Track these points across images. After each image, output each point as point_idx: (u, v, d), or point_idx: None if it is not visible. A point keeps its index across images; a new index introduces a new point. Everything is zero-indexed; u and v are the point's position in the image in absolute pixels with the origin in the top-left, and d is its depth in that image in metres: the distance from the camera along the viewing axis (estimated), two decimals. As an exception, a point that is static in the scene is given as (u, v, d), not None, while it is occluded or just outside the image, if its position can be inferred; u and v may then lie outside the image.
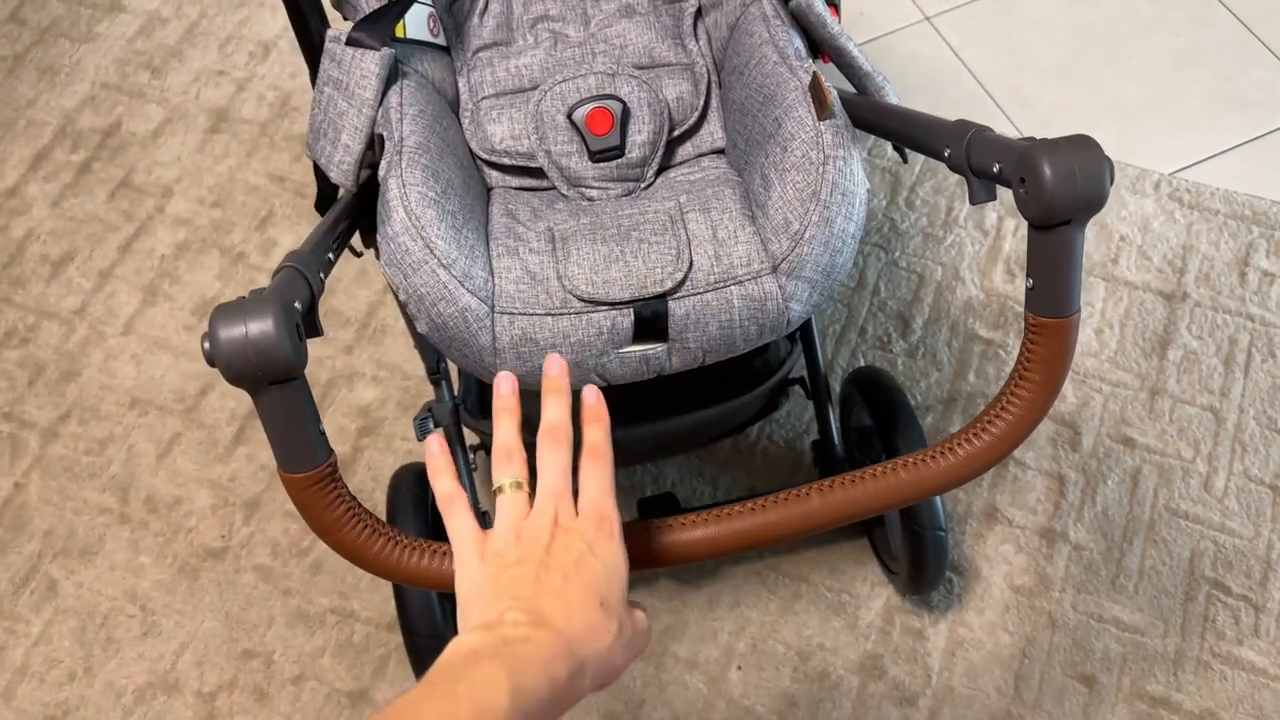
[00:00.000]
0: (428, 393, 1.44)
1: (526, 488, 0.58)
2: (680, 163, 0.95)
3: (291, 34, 1.76)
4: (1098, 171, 0.59)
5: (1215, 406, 1.39)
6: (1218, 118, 1.63)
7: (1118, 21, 1.74)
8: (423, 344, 1.11)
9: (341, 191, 0.85)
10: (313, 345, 1.49)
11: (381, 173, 0.80)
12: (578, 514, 0.56)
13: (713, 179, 0.89)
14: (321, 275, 0.69)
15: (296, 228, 1.59)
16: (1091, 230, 1.53)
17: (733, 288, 0.79)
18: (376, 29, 0.84)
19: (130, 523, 1.37)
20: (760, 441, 1.39)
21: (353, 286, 1.53)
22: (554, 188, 0.94)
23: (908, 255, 1.52)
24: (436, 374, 1.13)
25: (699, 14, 1.00)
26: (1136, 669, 1.23)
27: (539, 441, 0.59)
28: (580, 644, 0.51)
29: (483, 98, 0.96)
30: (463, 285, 0.76)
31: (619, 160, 0.92)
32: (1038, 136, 1.48)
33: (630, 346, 0.79)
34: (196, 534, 1.37)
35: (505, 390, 0.61)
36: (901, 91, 1.68)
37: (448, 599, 1.13)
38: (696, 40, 0.98)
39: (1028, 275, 0.63)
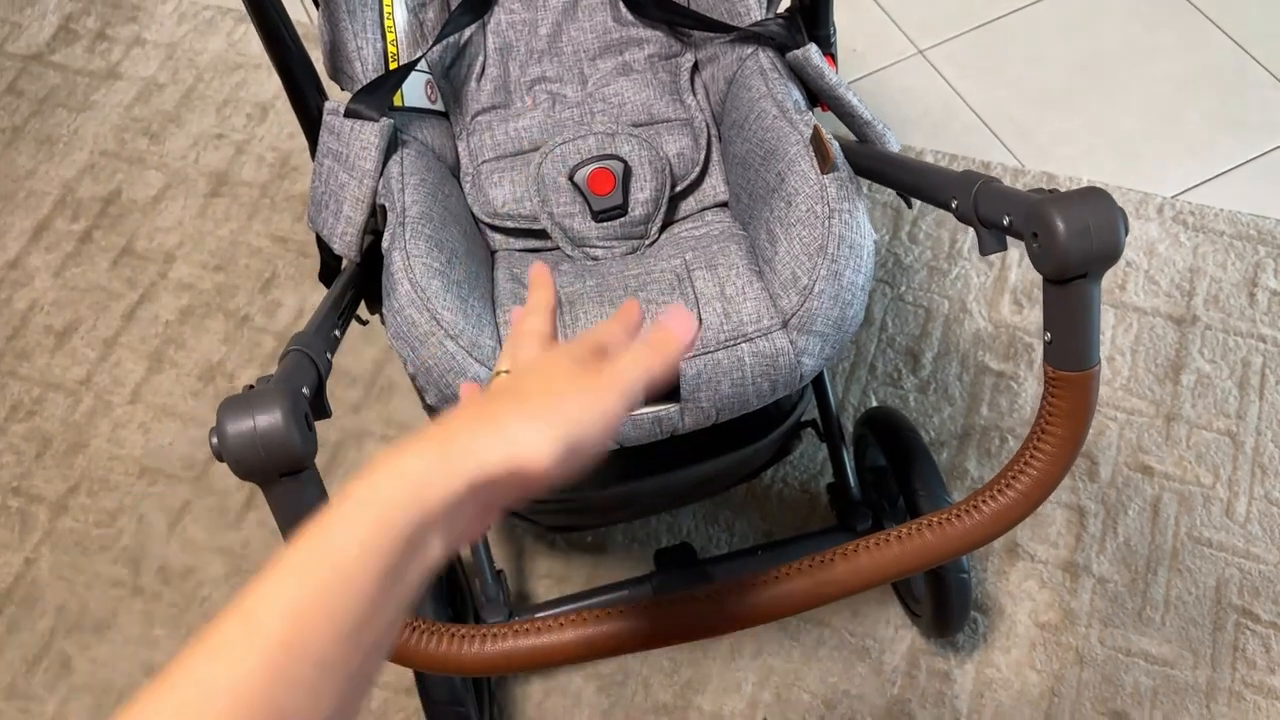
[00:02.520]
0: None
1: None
2: (684, 217, 0.95)
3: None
4: (1111, 224, 0.58)
5: (1232, 430, 1.38)
6: (1217, 139, 1.63)
7: (1112, 49, 1.74)
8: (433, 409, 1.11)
9: (345, 262, 0.85)
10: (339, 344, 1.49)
11: (385, 244, 0.79)
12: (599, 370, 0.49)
13: (717, 234, 0.88)
14: (328, 355, 0.68)
15: (300, 288, 1.59)
16: (1097, 257, 1.52)
17: (743, 345, 0.78)
18: (374, 99, 0.84)
19: (143, 595, 1.36)
20: (775, 485, 1.37)
21: (359, 344, 1.53)
22: (558, 248, 0.94)
23: (913, 290, 1.52)
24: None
25: (695, 69, 1.00)
26: (1168, 703, 1.21)
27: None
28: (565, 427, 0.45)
29: (483, 161, 0.95)
30: (471, 355, 0.75)
31: (622, 219, 0.92)
32: (1038, 169, 1.48)
33: (642, 409, 0.78)
34: (210, 604, 1.35)
35: (543, 274, 0.57)
36: (897, 126, 1.68)
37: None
38: (694, 95, 0.98)
39: (1045, 329, 0.62)
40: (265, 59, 1.79)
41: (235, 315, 1.57)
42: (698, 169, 0.95)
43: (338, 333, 0.71)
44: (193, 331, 1.56)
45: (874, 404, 1.42)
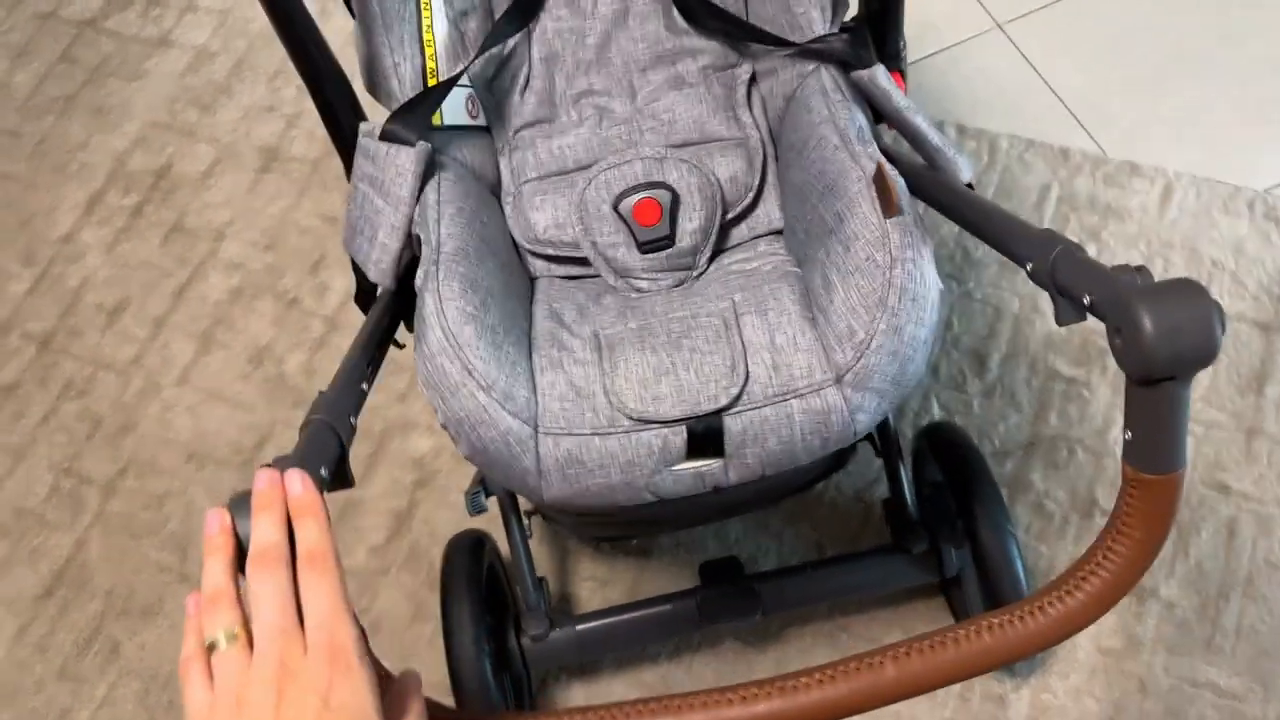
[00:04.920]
0: (484, 443, 1.41)
1: (244, 635, 0.50)
2: (735, 245, 0.90)
3: (342, 63, 1.73)
4: (1205, 323, 0.52)
5: (1319, 449, 1.30)
6: (1316, 127, 1.52)
7: (1205, 29, 1.63)
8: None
9: (381, 288, 0.81)
10: (372, 394, 1.46)
11: (419, 282, 0.76)
12: (306, 648, 0.49)
13: (768, 271, 0.83)
14: (353, 419, 0.65)
15: (349, 271, 1.55)
16: (1180, 255, 1.44)
17: (793, 401, 0.73)
18: (412, 120, 0.80)
19: (189, 581, 1.36)
20: (827, 493, 1.33)
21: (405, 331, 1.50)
22: (600, 276, 0.89)
23: (982, 286, 1.45)
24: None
25: (753, 80, 0.93)
26: (1236, 739, 1.16)
27: (248, 570, 0.52)
28: None
29: (525, 181, 0.91)
30: (504, 408, 0.71)
31: (669, 250, 0.87)
32: (1120, 157, 1.33)
33: (684, 464, 0.74)
34: (255, 593, 1.35)
35: (214, 529, 0.54)
36: (971, 107, 1.60)
37: (502, 669, 1.10)
38: (750, 111, 0.92)
39: (1126, 425, 0.56)
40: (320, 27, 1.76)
41: (284, 297, 1.55)
42: (751, 194, 0.89)
43: (365, 385, 0.68)
44: (242, 312, 1.55)
45: (936, 409, 1.36)
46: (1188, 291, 0.53)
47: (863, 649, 1.22)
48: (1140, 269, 0.56)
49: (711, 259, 0.89)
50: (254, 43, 1.79)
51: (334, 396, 0.64)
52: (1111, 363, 1.37)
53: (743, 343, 0.76)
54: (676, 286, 0.87)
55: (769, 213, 0.90)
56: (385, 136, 0.79)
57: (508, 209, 0.91)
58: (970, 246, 1.48)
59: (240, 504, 0.54)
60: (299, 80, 1.70)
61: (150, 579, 1.37)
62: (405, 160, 0.78)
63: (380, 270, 0.80)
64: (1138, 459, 0.56)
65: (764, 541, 1.31)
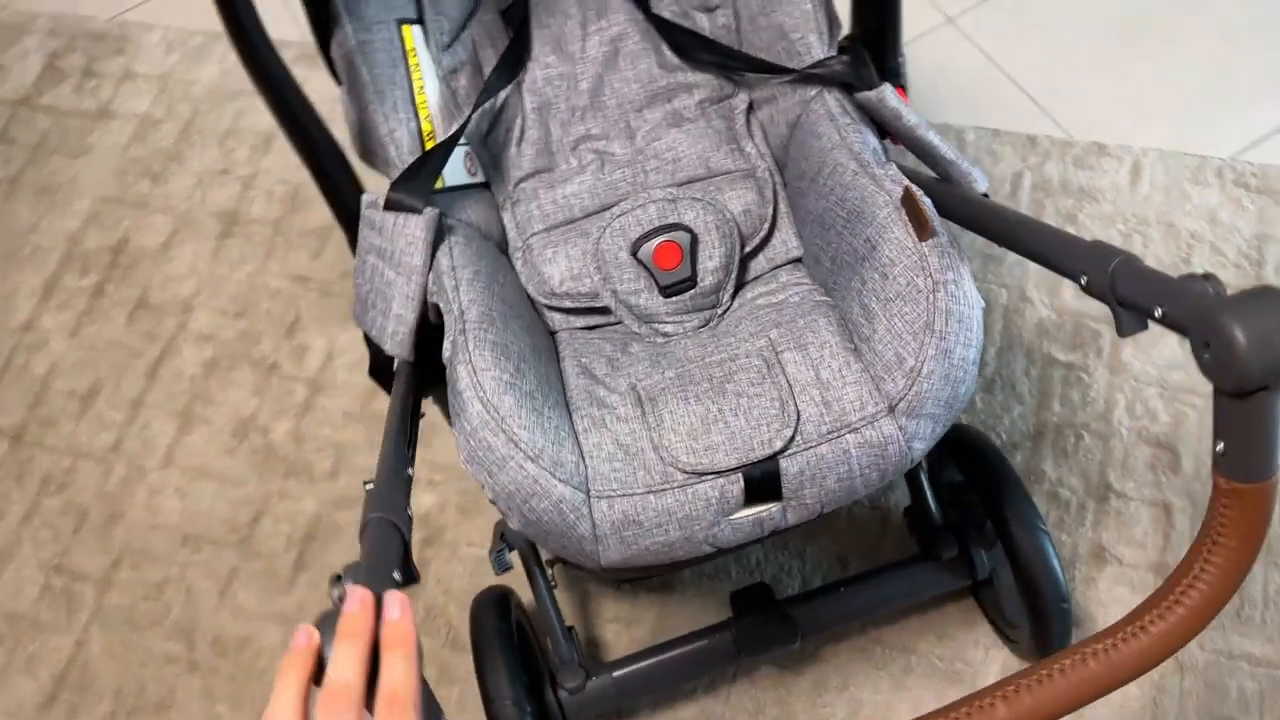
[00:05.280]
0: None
1: None
2: (755, 278, 0.88)
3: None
4: None
5: (1318, 408, 1.31)
6: (1275, 91, 1.55)
7: (1153, 2, 1.65)
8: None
9: (398, 361, 0.79)
10: (366, 455, 1.42)
11: (447, 354, 0.73)
12: None
13: (796, 303, 0.81)
14: (409, 510, 0.62)
15: (326, 329, 1.52)
16: (1157, 231, 1.45)
17: (848, 436, 0.72)
18: (415, 186, 0.77)
19: (200, 670, 1.32)
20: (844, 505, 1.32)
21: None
22: (621, 323, 0.87)
23: (968, 281, 1.44)
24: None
25: (750, 109, 0.92)
26: (1278, 706, 1.16)
27: (318, 705, 0.49)
28: None
29: (532, 234, 0.88)
30: (554, 476, 0.69)
31: (692, 291, 0.85)
32: (1086, 139, 1.30)
33: (742, 512, 0.72)
34: (270, 673, 1.30)
35: (299, 643, 0.52)
36: (932, 102, 1.60)
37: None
38: (752, 140, 0.90)
39: (1216, 437, 0.55)
40: (263, 84, 1.72)
41: (262, 364, 1.51)
42: (766, 225, 0.87)
43: (410, 470, 0.65)
44: (220, 385, 1.50)
45: (939, 409, 1.35)
46: (1272, 299, 0.52)
47: (898, 659, 1.22)
48: (1209, 276, 0.55)
49: (734, 295, 0.87)
50: (199, 106, 1.74)
51: (385, 490, 0.61)
52: (1105, 345, 1.38)
53: (788, 381, 0.74)
54: (702, 327, 0.85)
55: (785, 241, 0.88)
56: (390, 206, 0.76)
57: (518, 264, 0.88)
58: (951, 242, 1.48)
59: (328, 624, 0.51)
60: (251, 141, 1.68)
61: (158, 672, 1.32)
62: (415, 229, 0.75)
63: (397, 343, 0.77)
64: (1231, 469, 0.55)
65: (786, 561, 1.29)
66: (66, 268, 1.63)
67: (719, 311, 0.86)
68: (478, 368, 0.70)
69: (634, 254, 0.84)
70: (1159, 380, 1.35)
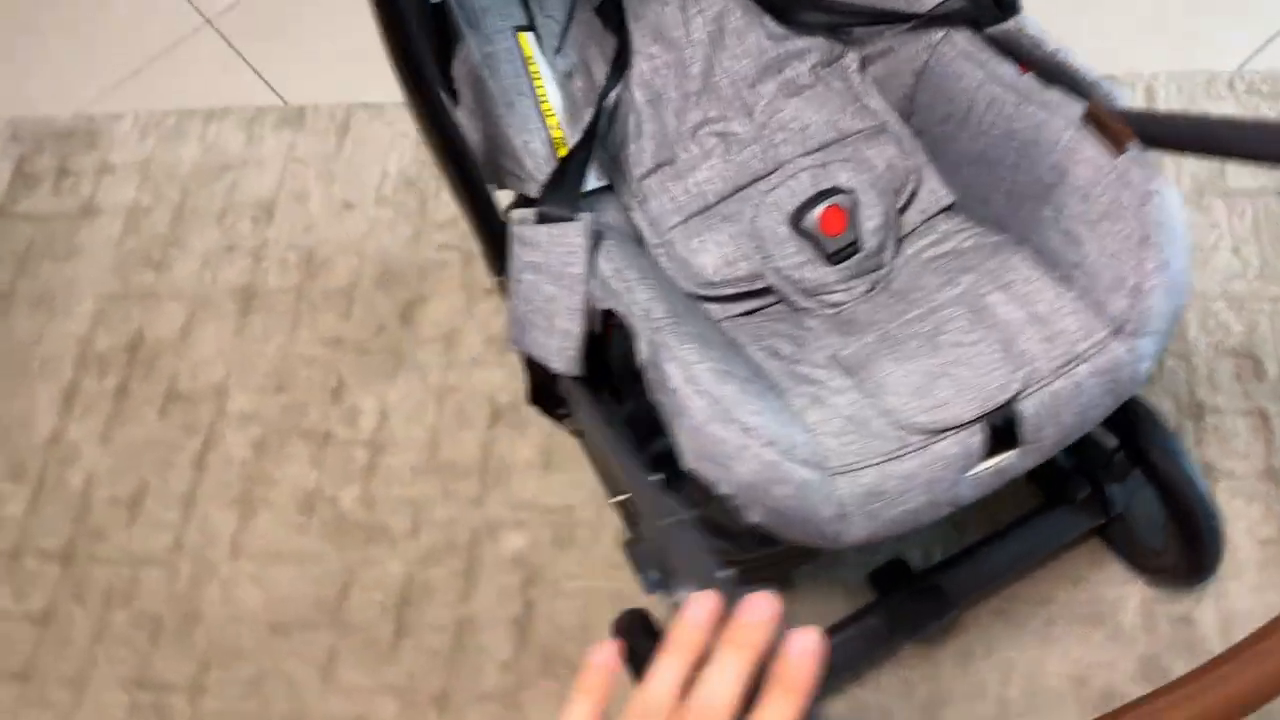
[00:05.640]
0: (579, 521, 1.34)
1: None
2: (910, 233, 0.86)
3: (289, 185, 1.64)
4: None
5: (1382, 292, 1.33)
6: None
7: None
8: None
9: (563, 380, 0.75)
10: (444, 506, 1.37)
11: (644, 356, 0.69)
12: None
13: (974, 247, 0.80)
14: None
15: (373, 388, 1.47)
16: (1186, 149, 1.47)
17: (1080, 367, 0.70)
18: (562, 195, 0.74)
19: (318, 759, 1.25)
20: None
21: (455, 430, 1.42)
22: (780, 303, 0.84)
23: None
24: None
25: (861, 66, 0.90)
26: None
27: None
28: None
29: (670, 229, 0.85)
30: (793, 459, 0.66)
31: (858, 255, 0.82)
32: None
33: (983, 464, 0.70)
34: (392, 749, 1.25)
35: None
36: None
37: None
38: (873, 96, 0.88)
39: None
40: (250, 154, 1.68)
41: (314, 434, 1.45)
42: (914, 177, 0.86)
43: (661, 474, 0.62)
44: (274, 463, 1.44)
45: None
46: None
47: (1038, 613, 1.20)
48: None
49: (895, 253, 0.85)
50: (187, 186, 1.68)
51: (655, 499, 0.57)
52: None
53: (1003, 322, 0.72)
54: (870, 290, 0.83)
55: (934, 191, 0.86)
56: (543, 219, 0.73)
57: (662, 261, 0.85)
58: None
59: (734, 596, 0.47)
60: (251, 213, 1.63)
61: (274, 770, 1.25)
62: (574, 236, 0.72)
63: (567, 358, 0.73)
64: None
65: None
66: (83, 373, 1.55)
67: (884, 272, 0.84)
68: (688, 361, 0.67)
69: (794, 226, 0.82)
70: (1222, 293, 1.36)
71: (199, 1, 1.88)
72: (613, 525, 1.32)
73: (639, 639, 1.09)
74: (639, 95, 0.88)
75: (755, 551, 1.10)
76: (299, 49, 1.81)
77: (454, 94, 0.77)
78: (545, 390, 0.78)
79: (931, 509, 0.70)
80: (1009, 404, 0.69)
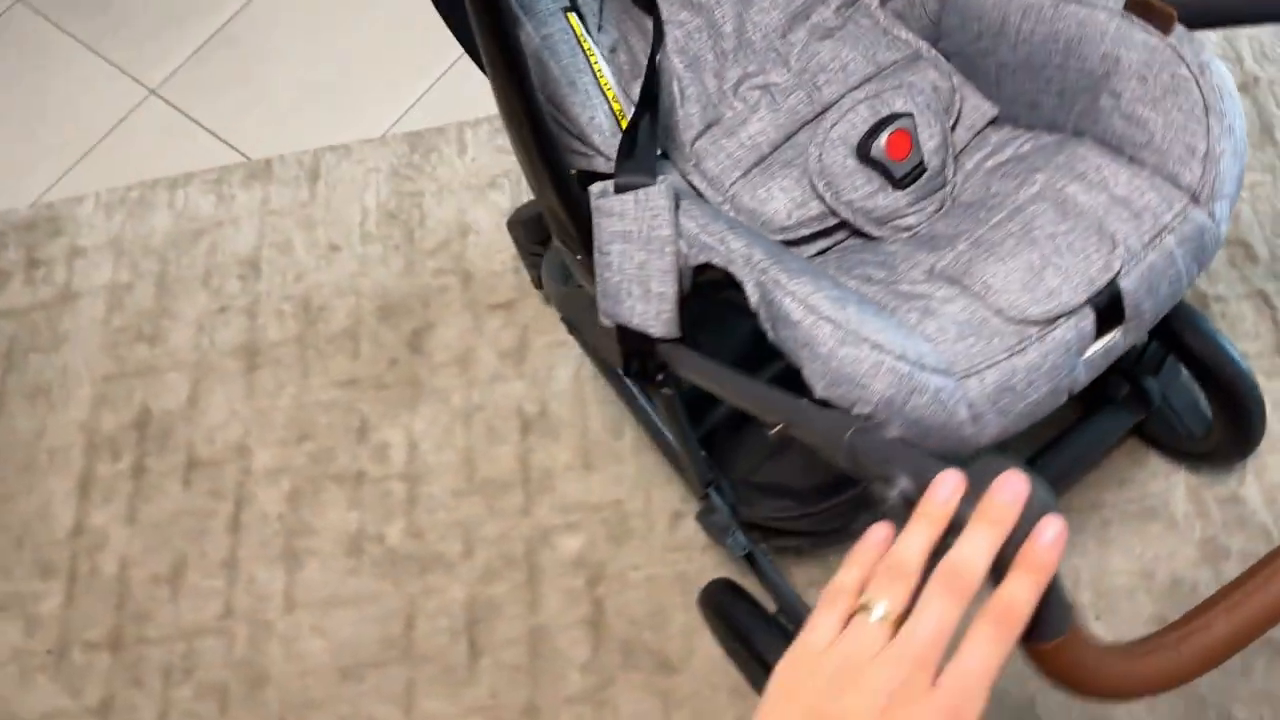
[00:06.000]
0: (630, 513, 1.34)
1: (896, 622, 0.47)
2: (964, 150, 0.89)
3: (270, 238, 1.63)
4: None
5: (1347, 163, 1.40)
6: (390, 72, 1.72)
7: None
8: (694, 456, 1.03)
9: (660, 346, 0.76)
10: (493, 523, 1.37)
11: (755, 300, 0.71)
12: (935, 686, 0.45)
13: (1035, 149, 0.83)
14: None
15: (398, 421, 1.46)
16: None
17: (1168, 238, 0.73)
18: (637, 163, 0.75)
19: (417, 794, 1.24)
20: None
21: (488, 448, 1.42)
22: (852, 236, 0.86)
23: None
24: (711, 484, 1.06)
25: (882, 3, 0.93)
26: None
27: (933, 578, 0.47)
28: None
29: (731, 184, 0.87)
30: (924, 368, 0.68)
31: (925, 175, 0.85)
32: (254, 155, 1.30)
33: (1094, 346, 0.73)
34: (494, 768, 1.24)
35: (942, 495, 0.50)
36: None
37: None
38: (899, 27, 0.91)
39: None
40: (223, 214, 1.67)
41: (347, 477, 1.44)
42: (957, 96, 0.88)
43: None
44: (312, 512, 1.42)
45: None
46: None
47: (1092, 517, 1.24)
48: None
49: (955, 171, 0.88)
50: (165, 256, 1.66)
51: (824, 416, 0.59)
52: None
53: (1088, 209, 0.75)
54: (939, 210, 0.85)
55: (977, 107, 0.89)
56: (622, 189, 0.74)
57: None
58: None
59: (982, 476, 0.49)
60: (237, 271, 1.62)
61: (374, 813, 1.24)
62: (657, 199, 0.73)
63: (664, 321, 0.75)
64: None
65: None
66: (95, 459, 1.52)
67: (950, 190, 0.86)
68: (804, 293, 0.69)
69: (861, 157, 0.84)
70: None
71: (137, 74, 1.86)
72: (666, 510, 1.34)
73: (732, 602, 1.10)
74: (677, 62, 0.90)
75: (817, 506, 1.12)
76: (251, 104, 1.81)
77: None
78: (641, 355, 0.79)
79: (1053, 397, 0.73)
80: (1112, 283, 0.72)
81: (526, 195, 1.59)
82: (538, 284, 1.44)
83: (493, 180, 1.64)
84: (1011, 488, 0.48)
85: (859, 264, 0.81)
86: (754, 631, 1.04)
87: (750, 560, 1.10)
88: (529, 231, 1.26)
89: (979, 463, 0.50)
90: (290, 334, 1.56)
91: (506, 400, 1.45)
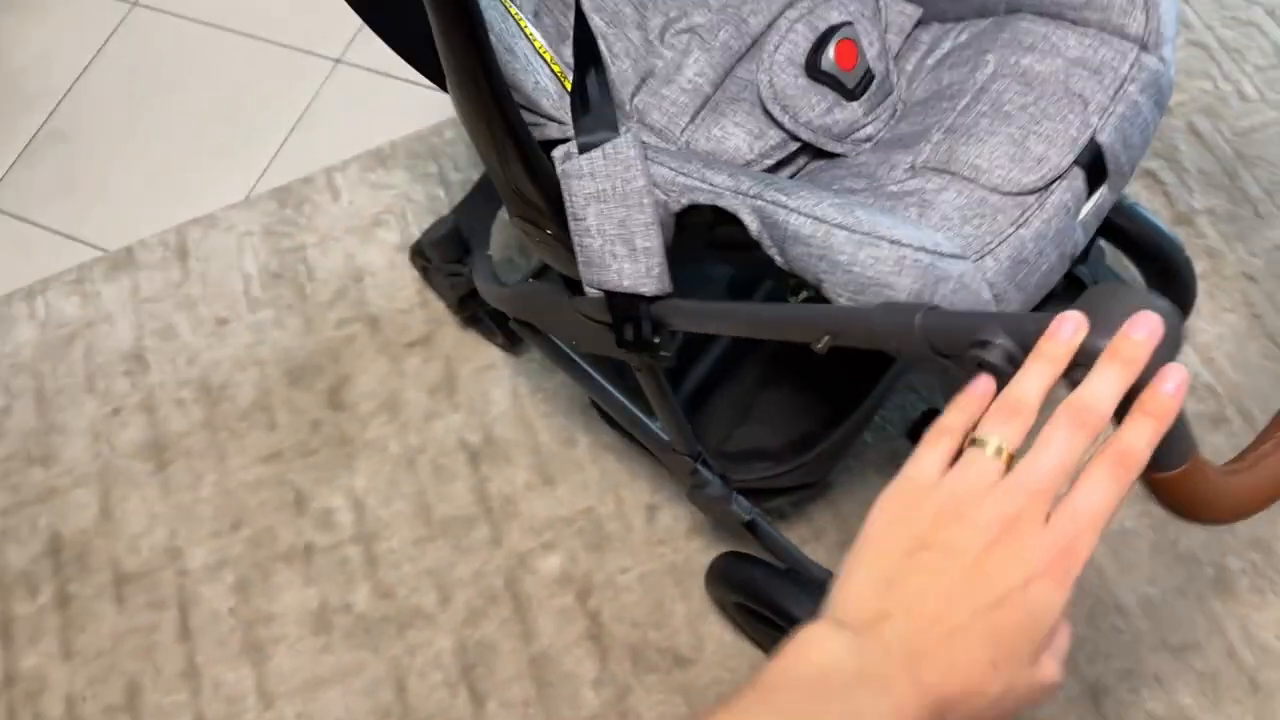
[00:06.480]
0: (604, 517, 1.30)
1: (1009, 459, 0.47)
2: (898, 54, 0.88)
3: (149, 326, 1.52)
4: None
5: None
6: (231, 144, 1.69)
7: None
8: (683, 430, 1.00)
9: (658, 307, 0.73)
10: (464, 563, 1.31)
11: (755, 228, 0.69)
12: (1049, 523, 0.45)
13: (974, 36, 0.83)
14: None
15: (336, 483, 1.38)
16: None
17: (1129, 88, 0.74)
18: (594, 119, 0.72)
19: None
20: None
21: (439, 487, 1.36)
22: (810, 160, 0.85)
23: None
24: (699, 457, 1.03)
25: None
26: (1337, 260, 1.30)
27: (1058, 412, 0.47)
28: (941, 706, 0.43)
29: (682, 130, 0.84)
30: (944, 255, 0.67)
31: (874, 83, 0.84)
32: (116, 244, 1.32)
33: (1086, 205, 0.73)
34: (525, 812, 1.18)
35: (1065, 334, 0.49)
36: None
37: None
38: None
39: None
40: (92, 313, 1.56)
41: (295, 554, 1.35)
42: (881, 2, 0.88)
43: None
44: (266, 599, 1.33)
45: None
46: None
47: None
48: None
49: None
50: (38, 369, 1.53)
51: (889, 310, 0.57)
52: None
53: (1049, 75, 0.75)
54: (894, 116, 0.84)
55: (902, 10, 0.88)
56: (586, 148, 0.71)
57: (694, 164, 0.84)
58: None
59: (1108, 311, 0.47)
60: (121, 367, 1.51)
61: None
62: (626, 149, 0.70)
63: (654, 276, 0.72)
64: None
65: (908, 401, 1.31)
66: (9, 600, 1.38)
67: (899, 95, 0.86)
68: (806, 207, 0.66)
69: (811, 75, 0.82)
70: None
71: (-42, 189, 1.72)
72: (639, 506, 1.30)
73: (746, 569, 1.08)
74: (598, 20, 0.87)
75: (793, 463, 1.11)
76: (95, 196, 1.69)
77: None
78: (635, 325, 0.76)
79: (1060, 264, 0.73)
80: (1092, 140, 0.73)
81: (416, 227, 1.54)
82: (457, 308, 1.38)
83: (376, 219, 1.57)
84: (1146, 326, 0.47)
85: (833, 180, 0.80)
86: (778, 589, 1.01)
87: (750, 527, 1.08)
88: (444, 251, 1.21)
89: (1097, 292, 0.49)
90: (196, 421, 1.46)
91: (447, 435, 1.39)
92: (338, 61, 1.77)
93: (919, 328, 0.56)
